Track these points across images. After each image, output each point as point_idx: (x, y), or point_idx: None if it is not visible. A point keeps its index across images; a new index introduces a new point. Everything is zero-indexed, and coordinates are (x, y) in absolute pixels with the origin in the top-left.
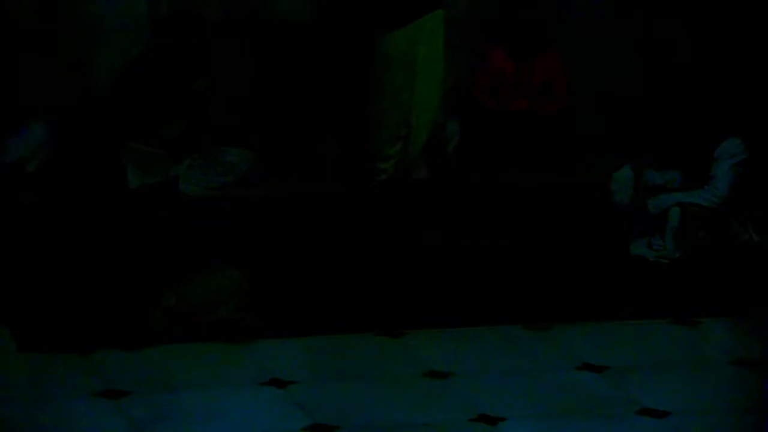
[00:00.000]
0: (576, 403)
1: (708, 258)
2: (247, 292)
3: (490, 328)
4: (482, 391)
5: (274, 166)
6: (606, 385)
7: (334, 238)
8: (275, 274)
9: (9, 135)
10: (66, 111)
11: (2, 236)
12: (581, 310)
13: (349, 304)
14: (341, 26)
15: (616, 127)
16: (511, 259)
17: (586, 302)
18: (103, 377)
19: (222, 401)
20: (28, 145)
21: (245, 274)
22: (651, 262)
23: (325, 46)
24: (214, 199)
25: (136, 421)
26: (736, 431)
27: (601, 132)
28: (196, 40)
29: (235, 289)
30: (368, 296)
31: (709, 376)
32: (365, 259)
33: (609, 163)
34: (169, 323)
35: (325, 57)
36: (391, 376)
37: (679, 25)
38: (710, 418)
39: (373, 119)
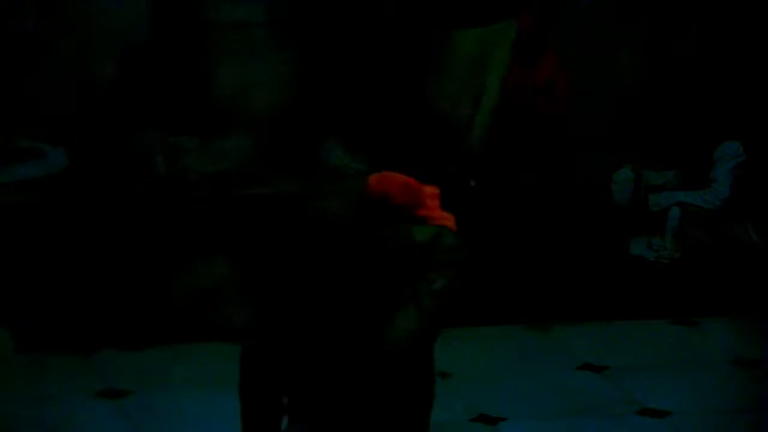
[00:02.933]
0: (576, 403)
1: (708, 258)
2: (236, 282)
3: (490, 328)
4: (482, 391)
5: (275, 165)
6: (606, 385)
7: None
8: (276, 273)
9: (24, 158)
10: (70, 112)
11: (2, 237)
12: (581, 310)
13: None
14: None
15: (616, 127)
16: (511, 259)
17: (586, 302)
18: (103, 377)
19: (222, 401)
20: (47, 172)
21: (233, 263)
22: (651, 262)
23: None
24: (216, 197)
25: (136, 421)
26: (736, 431)
27: (601, 132)
28: (196, 35)
29: (225, 280)
30: None
31: (709, 376)
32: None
33: (609, 163)
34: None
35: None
36: None
37: (679, 27)
38: (710, 418)
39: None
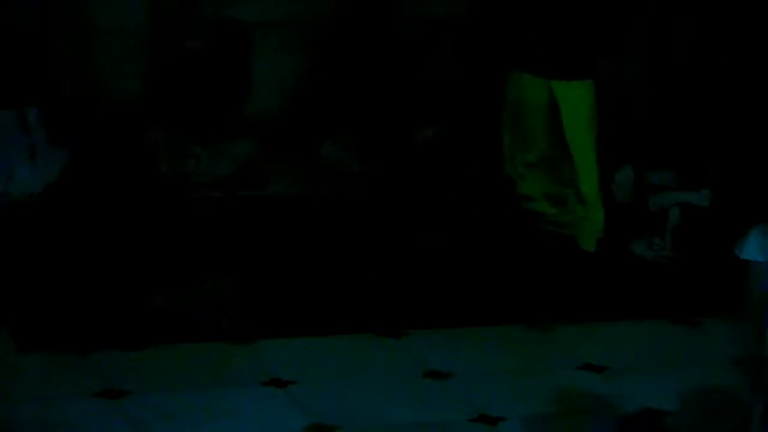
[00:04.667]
0: (576, 403)
1: (708, 258)
2: (241, 300)
3: (490, 328)
4: (482, 391)
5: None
6: (606, 385)
7: (335, 239)
8: (277, 273)
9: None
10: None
11: (2, 237)
12: (581, 310)
13: (349, 304)
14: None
15: (616, 128)
16: (511, 259)
17: (586, 302)
18: (103, 377)
19: (222, 401)
20: (51, 173)
21: (239, 281)
22: (651, 262)
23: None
24: (220, 197)
25: (136, 421)
26: (735, 431)
27: (602, 132)
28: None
29: (229, 298)
30: (368, 296)
31: (709, 376)
32: (366, 259)
33: (609, 163)
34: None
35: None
36: (391, 376)
37: (680, 26)
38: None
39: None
